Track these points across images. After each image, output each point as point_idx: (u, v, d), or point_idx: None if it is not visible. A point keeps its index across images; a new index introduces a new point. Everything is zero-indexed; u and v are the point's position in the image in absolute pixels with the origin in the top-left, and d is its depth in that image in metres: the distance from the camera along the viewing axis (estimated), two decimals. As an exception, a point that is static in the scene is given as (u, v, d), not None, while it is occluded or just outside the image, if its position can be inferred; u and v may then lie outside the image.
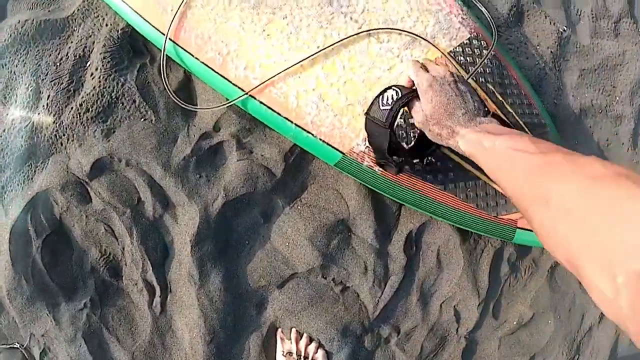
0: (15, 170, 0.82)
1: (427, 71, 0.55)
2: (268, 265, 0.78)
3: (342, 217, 0.74)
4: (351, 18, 0.67)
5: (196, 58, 0.70)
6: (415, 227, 0.75)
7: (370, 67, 0.66)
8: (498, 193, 0.70)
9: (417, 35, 0.66)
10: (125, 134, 0.77)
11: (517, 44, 0.79)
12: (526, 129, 0.72)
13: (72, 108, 0.80)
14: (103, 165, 0.77)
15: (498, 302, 0.81)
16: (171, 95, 0.75)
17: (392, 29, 0.66)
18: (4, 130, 0.81)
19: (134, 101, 0.77)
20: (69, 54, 0.83)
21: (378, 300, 0.75)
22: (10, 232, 0.79)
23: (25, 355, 0.84)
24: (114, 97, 0.78)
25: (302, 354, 0.79)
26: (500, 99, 0.70)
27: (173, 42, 0.71)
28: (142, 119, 0.77)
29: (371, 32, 0.66)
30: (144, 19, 0.72)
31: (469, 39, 0.69)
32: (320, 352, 0.79)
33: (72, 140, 0.80)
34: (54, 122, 0.81)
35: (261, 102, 0.67)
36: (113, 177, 0.77)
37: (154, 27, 0.72)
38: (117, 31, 0.79)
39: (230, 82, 0.68)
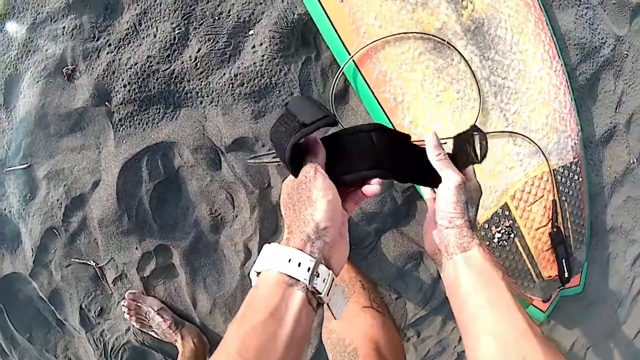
0: (140, 109, 0.82)
1: None
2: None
3: (421, 250, 0.93)
4: (504, 115, 0.80)
5: (372, 91, 0.77)
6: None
7: (499, 162, 0.80)
8: (532, 278, 0.90)
9: (540, 149, 0.81)
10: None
11: (595, 161, 0.97)
12: (571, 236, 0.89)
13: (224, 74, 0.82)
14: (244, 143, 0.83)
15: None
16: (334, 115, 0.78)
17: (526, 136, 0.80)
18: (136, 64, 0.80)
19: (292, 94, 0.82)
20: (231, 13, 0.81)
21: (417, 312, 0.99)
22: (122, 168, 0.83)
23: (98, 274, 0.92)
24: (273, 82, 0.81)
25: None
26: (566, 208, 0.89)
27: (355, 65, 0.77)
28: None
29: (512, 134, 0.80)
30: (335, 29, 0.76)
31: (570, 162, 0.85)
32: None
33: (216, 106, 0.83)
34: (199, 80, 0.82)
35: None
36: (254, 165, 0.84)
37: (341, 40, 0.77)
38: (294, 14, 0.80)
39: (393, 127, 0.78)
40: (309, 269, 0.34)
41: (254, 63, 0.80)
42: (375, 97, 0.77)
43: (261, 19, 0.80)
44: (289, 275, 0.34)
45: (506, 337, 0.35)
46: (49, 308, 0.99)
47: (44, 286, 0.96)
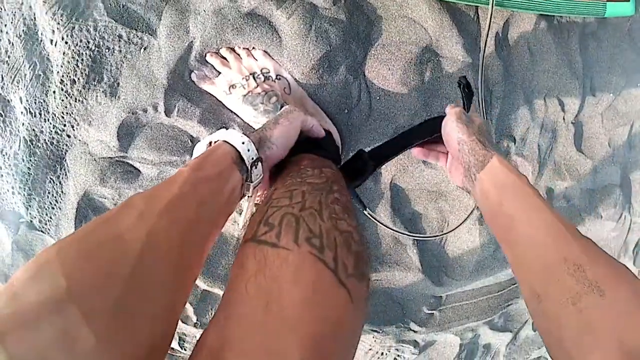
0: (40, 195, 0.66)
1: None
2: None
3: (425, 44, 0.63)
4: None
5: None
6: (500, 26, 0.66)
7: None
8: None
9: None
10: (133, 78, 0.60)
11: None
12: None
13: (54, 92, 0.62)
14: (130, 128, 0.62)
15: (592, 78, 0.76)
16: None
17: None
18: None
19: (120, 36, 0.60)
20: (11, 40, 0.63)
21: (486, 114, 0.68)
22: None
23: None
24: (93, 48, 0.60)
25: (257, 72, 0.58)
26: None
27: None
28: (143, 49, 0.61)
29: None
30: None
31: None
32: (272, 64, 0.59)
33: (78, 125, 0.63)
34: (44, 120, 0.64)
35: None
36: (148, 132, 0.62)
37: None
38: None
39: None
40: (253, 158, 0.40)
41: (63, 53, 0.58)
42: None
43: (35, 12, 0.61)
44: (238, 154, 0.39)
45: (543, 240, 0.35)
46: None
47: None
